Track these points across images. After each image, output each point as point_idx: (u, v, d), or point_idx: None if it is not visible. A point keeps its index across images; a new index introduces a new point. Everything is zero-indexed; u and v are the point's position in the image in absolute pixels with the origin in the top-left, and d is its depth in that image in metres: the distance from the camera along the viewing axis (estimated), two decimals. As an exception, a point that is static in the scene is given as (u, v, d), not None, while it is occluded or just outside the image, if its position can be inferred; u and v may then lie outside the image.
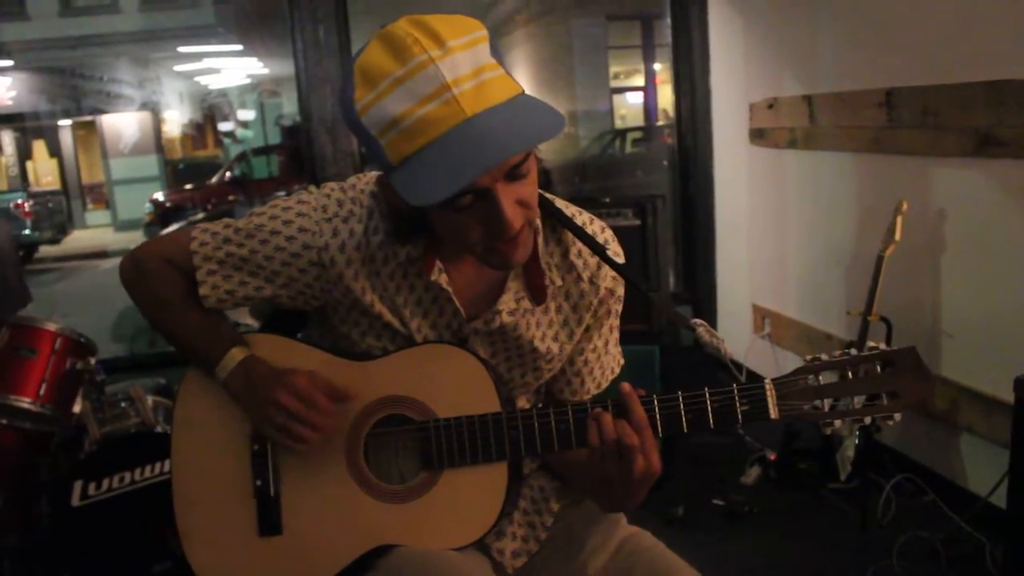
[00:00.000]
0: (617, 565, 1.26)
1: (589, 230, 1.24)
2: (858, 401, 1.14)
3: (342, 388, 1.21)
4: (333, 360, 1.24)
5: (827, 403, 1.13)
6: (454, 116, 0.97)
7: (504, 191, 1.02)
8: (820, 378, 1.13)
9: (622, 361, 1.38)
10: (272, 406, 1.18)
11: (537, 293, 1.23)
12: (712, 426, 1.13)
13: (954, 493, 2.66)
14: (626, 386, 1.14)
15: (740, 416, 1.13)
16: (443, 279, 1.19)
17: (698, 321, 1.22)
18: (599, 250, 1.23)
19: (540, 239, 1.22)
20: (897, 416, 1.12)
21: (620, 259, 1.26)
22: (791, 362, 1.10)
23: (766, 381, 1.13)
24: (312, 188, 1.24)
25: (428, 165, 0.98)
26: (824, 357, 1.14)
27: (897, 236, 2.62)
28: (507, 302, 1.22)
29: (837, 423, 1.13)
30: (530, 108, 1.02)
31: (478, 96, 0.98)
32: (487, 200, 1.02)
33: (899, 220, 2.62)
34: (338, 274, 1.20)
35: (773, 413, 1.12)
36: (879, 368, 1.13)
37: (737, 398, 1.12)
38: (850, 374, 1.13)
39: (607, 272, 1.27)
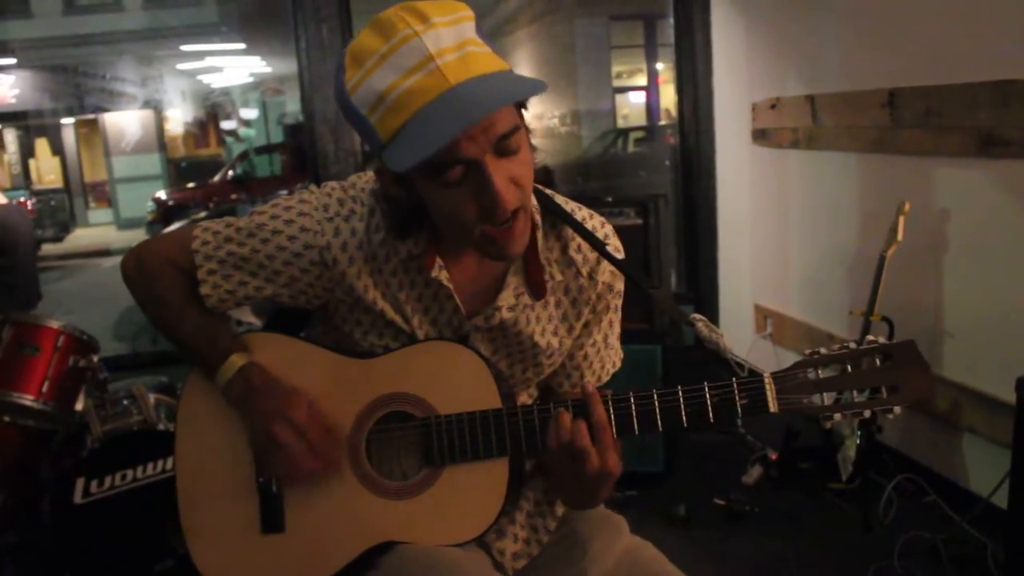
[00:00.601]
0: (619, 574, 1.26)
1: (589, 225, 1.25)
2: (858, 395, 1.14)
3: (333, 424, 1.21)
4: (336, 358, 1.24)
5: (827, 397, 1.13)
6: (438, 86, 0.98)
7: (494, 165, 1.02)
8: (820, 372, 1.13)
9: (622, 355, 1.38)
10: (270, 439, 1.18)
11: (537, 288, 1.23)
12: (712, 420, 1.13)
13: (955, 494, 2.66)
14: (588, 386, 1.14)
15: (740, 410, 1.13)
16: (443, 275, 1.19)
17: (697, 316, 1.22)
18: (599, 246, 1.23)
19: (540, 234, 1.22)
20: (897, 409, 1.12)
21: (620, 254, 1.26)
22: (792, 362, 1.11)
23: (765, 375, 1.13)
24: (313, 187, 1.24)
25: (413, 135, 0.99)
26: (823, 351, 1.14)
27: (899, 236, 2.61)
28: (507, 298, 1.22)
29: (837, 416, 1.13)
30: (514, 78, 1.03)
31: (461, 66, 0.99)
32: (477, 172, 1.02)
33: (901, 220, 2.61)
34: (340, 273, 1.20)
35: (772, 407, 1.12)
36: (878, 362, 1.13)
37: (736, 392, 1.13)
38: (849, 368, 1.13)
39: (605, 267, 1.27)
